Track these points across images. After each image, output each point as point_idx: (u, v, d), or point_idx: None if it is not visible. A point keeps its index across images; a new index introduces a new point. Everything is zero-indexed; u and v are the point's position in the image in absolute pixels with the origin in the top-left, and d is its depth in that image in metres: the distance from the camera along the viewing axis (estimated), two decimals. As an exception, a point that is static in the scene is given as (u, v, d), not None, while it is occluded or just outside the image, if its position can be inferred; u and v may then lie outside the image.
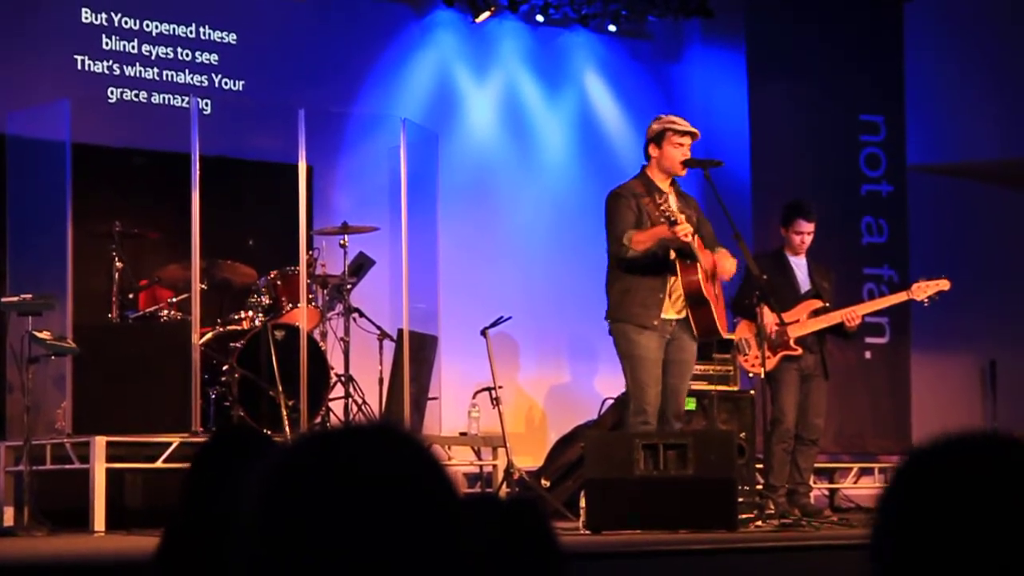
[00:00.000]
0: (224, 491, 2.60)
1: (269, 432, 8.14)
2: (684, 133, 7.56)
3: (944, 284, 8.69)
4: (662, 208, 7.12)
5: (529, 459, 9.76)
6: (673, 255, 7.36)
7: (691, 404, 8.62)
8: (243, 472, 2.64)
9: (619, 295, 7.46)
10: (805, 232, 8.60)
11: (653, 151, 7.59)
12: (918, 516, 1.44)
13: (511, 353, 10.67)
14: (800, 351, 8.38)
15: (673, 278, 7.40)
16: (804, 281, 8.62)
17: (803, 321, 8.42)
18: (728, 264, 7.57)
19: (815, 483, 10.17)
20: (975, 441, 1.48)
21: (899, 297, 8.84)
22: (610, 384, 8.76)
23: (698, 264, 7.37)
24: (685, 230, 7.11)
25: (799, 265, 8.65)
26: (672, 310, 7.42)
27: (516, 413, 10.79)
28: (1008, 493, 1.43)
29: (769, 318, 8.18)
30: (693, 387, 8.06)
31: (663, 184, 7.56)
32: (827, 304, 8.54)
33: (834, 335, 8.66)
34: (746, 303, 8.28)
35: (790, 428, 8.38)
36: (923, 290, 8.67)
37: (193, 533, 2.63)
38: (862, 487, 11.20)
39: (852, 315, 8.48)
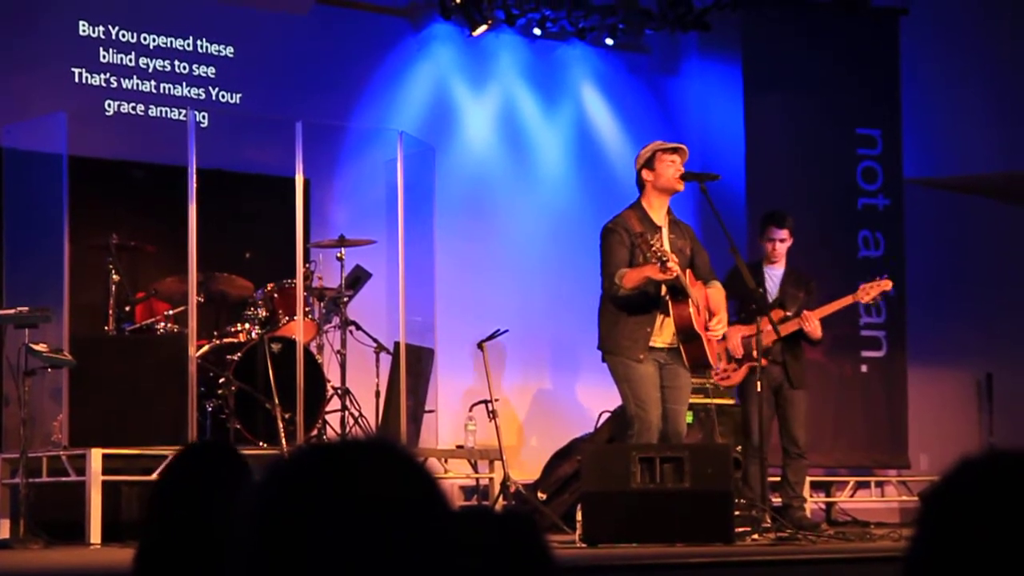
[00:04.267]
0: (194, 504, 2.61)
1: (265, 445, 8.15)
2: (673, 150, 7.57)
3: (886, 284, 8.81)
4: (654, 249, 7.12)
5: (526, 472, 9.76)
6: (664, 291, 7.38)
7: (688, 417, 8.63)
8: (213, 486, 2.64)
9: (608, 327, 7.50)
10: (777, 239, 8.68)
11: (647, 175, 7.59)
12: (958, 532, 1.44)
13: (508, 366, 10.67)
14: (765, 363, 8.39)
15: (663, 317, 7.42)
16: (772, 292, 8.67)
17: (767, 332, 8.42)
18: (720, 299, 7.60)
19: (811, 496, 10.17)
20: (1012, 459, 1.48)
21: (845, 301, 8.85)
22: (606, 397, 8.76)
23: (689, 299, 7.39)
24: (674, 271, 7.12)
25: (772, 275, 8.73)
26: (661, 340, 7.45)
27: (512, 426, 10.79)
28: None
29: (732, 330, 8.27)
30: (690, 400, 8.07)
31: (659, 213, 7.57)
32: (788, 314, 8.56)
33: (806, 343, 8.72)
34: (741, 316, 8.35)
35: (757, 443, 8.36)
36: (867, 292, 8.74)
37: (165, 546, 2.63)
38: (859, 500, 11.20)
39: (806, 322, 8.52)
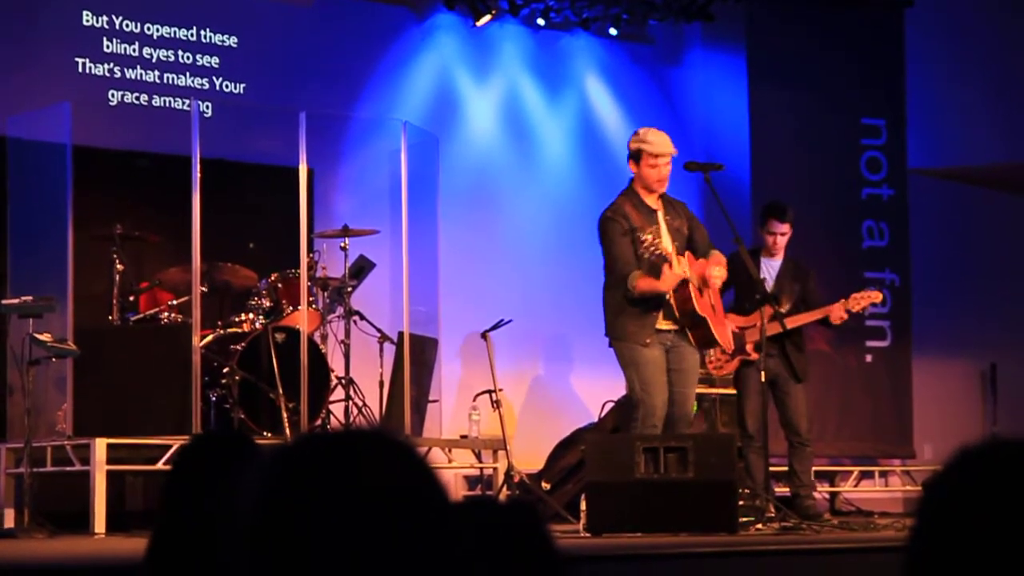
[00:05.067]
0: (206, 493, 2.61)
1: (269, 435, 8.16)
2: (657, 155, 7.53)
3: (876, 296, 8.83)
4: (652, 250, 7.11)
5: (529, 462, 9.77)
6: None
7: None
8: (225, 474, 2.65)
9: (614, 314, 7.51)
10: (778, 233, 8.65)
11: (632, 168, 7.60)
12: (959, 521, 1.44)
13: (511, 356, 10.66)
14: (757, 356, 8.39)
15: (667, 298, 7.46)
16: (768, 285, 8.64)
17: (759, 325, 8.40)
18: (716, 271, 7.56)
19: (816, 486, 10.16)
20: (1010, 448, 1.48)
21: (834, 307, 8.83)
22: (610, 386, 8.77)
23: (689, 283, 7.38)
24: (680, 275, 7.20)
25: (769, 267, 8.68)
26: (666, 322, 7.45)
27: (516, 416, 10.79)
28: None
29: (728, 321, 8.30)
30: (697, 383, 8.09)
31: (651, 198, 7.57)
32: (782, 309, 8.54)
33: (824, 326, 8.76)
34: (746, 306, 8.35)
35: (754, 434, 8.36)
36: (858, 301, 8.72)
37: (178, 535, 2.63)
38: (863, 490, 11.20)
39: (834, 311, 8.54)
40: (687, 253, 7.52)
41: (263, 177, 9.89)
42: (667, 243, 7.45)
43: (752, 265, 7.96)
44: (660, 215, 7.51)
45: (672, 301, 7.39)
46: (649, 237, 7.16)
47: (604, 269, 7.56)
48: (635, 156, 7.56)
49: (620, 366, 7.52)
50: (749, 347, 8.42)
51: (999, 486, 1.43)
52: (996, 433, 11.45)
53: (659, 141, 7.54)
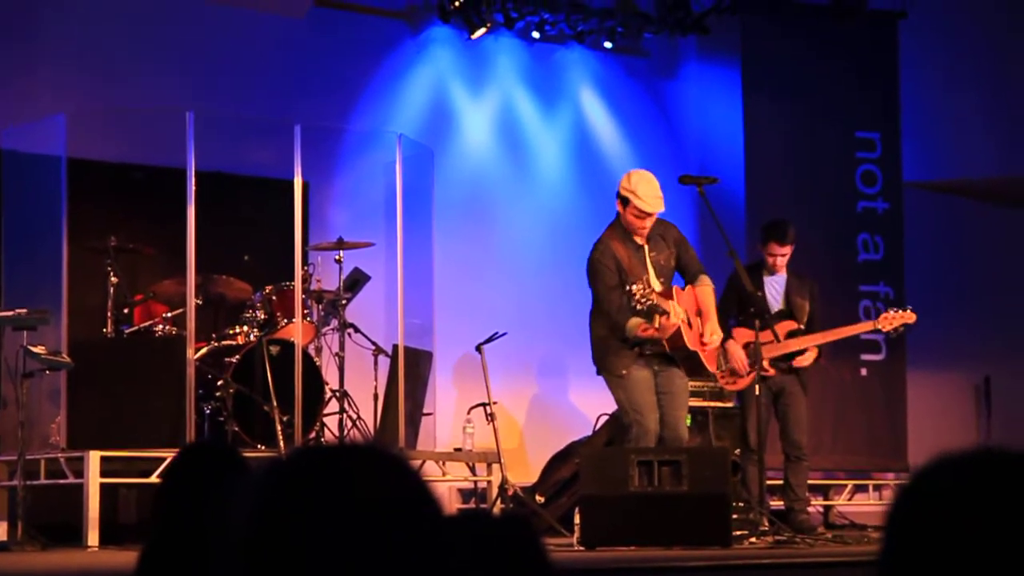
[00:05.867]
0: (195, 505, 2.61)
1: (263, 447, 8.15)
2: (643, 211, 7.48)
3: (910, 317, 8.73)
4: (644, 302, 7.13)
5: (524, 475, 9.76)
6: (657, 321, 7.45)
7: (687, 420, 8.64)
8: (214, 486, 2.65)
9: (599, 345, 7.59)
10: (779, 255, 8.61)
11: (618, 207, 7.60)
12: (924, 534, 1.44)
13: (506, 369, 10.66)
14: (773, 372, 8.40)
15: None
16: (776, 301, 8.62)
17: (777, 343, 8.39)
18: (709, 299, 7.60)
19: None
20: (980, 457, 1.48)
21: (866, 326, 8.84)
22: (605, 399, 8.75)
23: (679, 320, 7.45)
24: (672, 326, 7.27)
25: (774, 283, 8.67)
26: (653, 348, 7.49)
27: (511, 429, 10.78)
28: (1012, 509, 1.42)
29: (737, 338, 8.29)
30: (689, 403, 8.09)
31: (638, 237, 7.58)
32: (801, 326, 8.55)
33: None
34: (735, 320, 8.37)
35: (755, 447, 8.37)
36: (889, 321, 8.70)
37: (167, 547, 2.63)
38: (857, 504, 11.19)
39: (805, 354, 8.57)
40: (675, 288, 7.56)
41: (258, 190, 9.88)
42: (654, 282, 7.46)
43: (748, 280, 7.95)
44: (646, 251, 7.54)
45: (664, 341, 7.45)
46: (639, 288, 7.15)
47: (591, 301, 7.60)
48: (623, 200, 7.54)
49: (611, 392, 7.59)
50: (766, 363, 8.39)
51: (971, 494, 1.44)
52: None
53: (648, 198, 7.47)
